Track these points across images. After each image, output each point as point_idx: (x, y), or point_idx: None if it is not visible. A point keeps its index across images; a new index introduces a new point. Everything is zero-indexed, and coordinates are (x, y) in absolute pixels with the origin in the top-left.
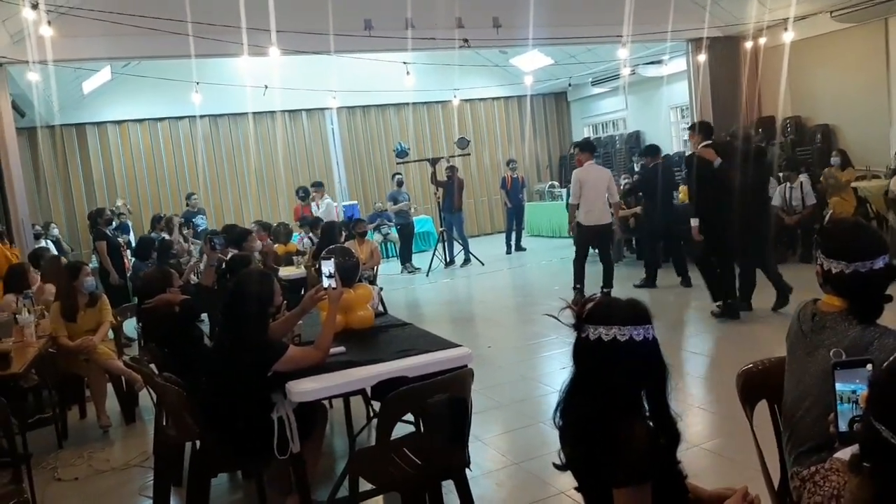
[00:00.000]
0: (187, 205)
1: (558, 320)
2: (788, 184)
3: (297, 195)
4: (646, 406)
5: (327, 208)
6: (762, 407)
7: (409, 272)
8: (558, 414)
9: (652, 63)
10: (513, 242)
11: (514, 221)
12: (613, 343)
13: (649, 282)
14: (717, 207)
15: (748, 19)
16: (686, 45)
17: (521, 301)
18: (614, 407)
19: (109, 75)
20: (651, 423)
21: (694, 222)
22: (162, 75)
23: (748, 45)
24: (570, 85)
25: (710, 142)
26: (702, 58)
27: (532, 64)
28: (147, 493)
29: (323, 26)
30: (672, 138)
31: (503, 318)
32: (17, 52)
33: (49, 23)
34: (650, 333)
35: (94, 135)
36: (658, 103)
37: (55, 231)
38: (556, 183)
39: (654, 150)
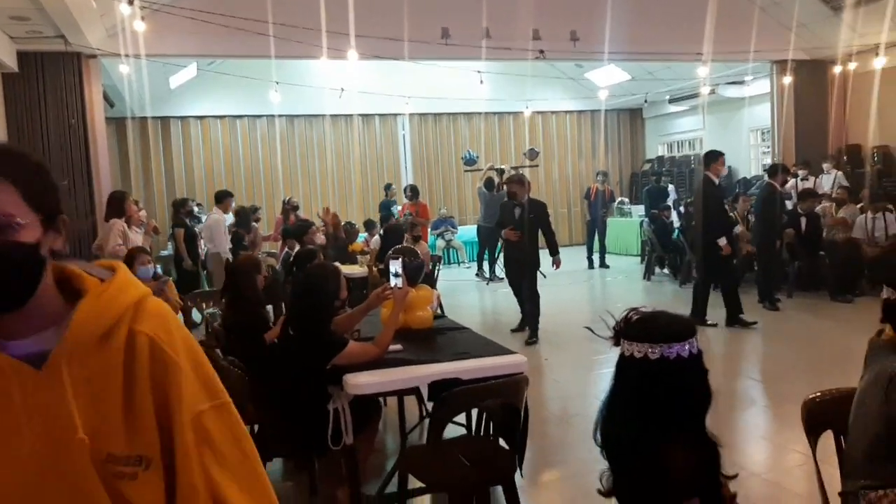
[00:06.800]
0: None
1: (595, 333)
2: (869, 214)
3: (406, 194)
4: (686, 427)
5: (214, 224)
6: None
7: (486, 279)
8: (598, 432)
9: (733, 83)
10: (595, 258)
11: (595, 237)
12: (645, 360)
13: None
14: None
15: (837, 43)
16: (770, 67)
17: (587, 318)
18: (650, 428)
19: (195, 72)
20: (691, 446)
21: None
22: (244, 74)
23: (836, 69)
24: (646, 101)
25: None
26: (786, 80)
27: (608, 79)
28: None
29: (400, 33)
30: (751, 161)
31: (565, 332)
32: (110, 45)
33: (142, 18)
34: (685, 350)
35: (177, 128)
36: (738, 125)
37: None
38: (627, 199)
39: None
